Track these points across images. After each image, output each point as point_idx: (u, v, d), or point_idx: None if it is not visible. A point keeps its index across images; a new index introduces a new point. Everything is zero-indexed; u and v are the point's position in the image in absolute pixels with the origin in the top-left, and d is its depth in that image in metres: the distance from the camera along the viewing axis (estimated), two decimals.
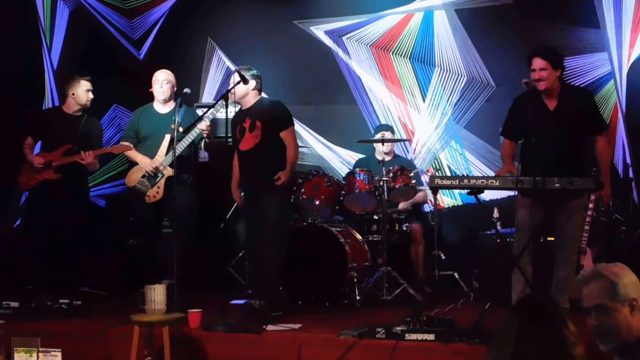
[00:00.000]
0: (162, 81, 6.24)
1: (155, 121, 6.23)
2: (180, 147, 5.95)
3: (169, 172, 6.05)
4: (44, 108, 7.72)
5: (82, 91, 6.42)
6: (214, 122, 6.31)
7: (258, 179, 5.64)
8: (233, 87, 5.77)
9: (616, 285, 2.55)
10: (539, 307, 2.33)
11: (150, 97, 6.33)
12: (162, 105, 6.29)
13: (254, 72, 5.76)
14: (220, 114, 5.86)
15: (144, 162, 6.14)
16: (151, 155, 6.16)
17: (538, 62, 5.06)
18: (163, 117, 6.21)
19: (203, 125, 5.89)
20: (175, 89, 6.30)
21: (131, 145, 6.21)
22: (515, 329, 2.21)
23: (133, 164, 6.29)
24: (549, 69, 5.05)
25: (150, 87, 6.28)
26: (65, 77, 6.65)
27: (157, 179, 6.13)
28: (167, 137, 6.09)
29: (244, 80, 5.59)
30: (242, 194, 5.93)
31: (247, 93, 5.73)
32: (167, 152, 6.09)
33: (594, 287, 2.58)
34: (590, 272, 2.64)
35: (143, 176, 6.16)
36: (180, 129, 5.85)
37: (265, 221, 5.61)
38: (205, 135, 6.06)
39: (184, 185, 6.07)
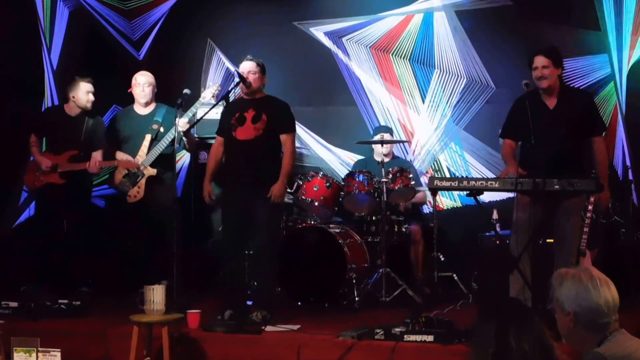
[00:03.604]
0: (143, 84, 6.34)
1: (136, 122, 6.33)
2: (162, 145, 6.08)
3: (149, 171, 6.13)
4: (43, 108, 7.71)
5: (82, 93, 6.42)
6: (211, 122, 6.26)
7: (253, 171, 5.43)
8: (233, 88, 5.76)
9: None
10: (511, 305, 2.36)
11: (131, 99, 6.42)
12: (142, 107, 6.37)
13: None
14: (216, 115, 5.86)
15: (123, 161, 6.19)
16: (133, 155, 6.25)
17: (540, 60, 5.06)
18: (143, 118, 6.32)
19: (181, 123, 5.89)
20: (155, 90, 6.38)
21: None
22: (494, 328, 2.22)
23: None
24: (550, 67, 5.05)
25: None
26: (67, 79, 6.65)
27: (138, 179, 6.16)
28: (148, 137, 6.20)
29: (244, 81, 5.57)
30: (226, 187, 5.67)
31: (263, 84, 5.63)
32: (148, 152, 6.18)
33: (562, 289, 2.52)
34: (565, 273, 2.56)
35: (124, 176, 6.21)
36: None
37: (259, 234, 5.47)
38: (182, 132, 6.01)
39: (165, 184, 6.10)
